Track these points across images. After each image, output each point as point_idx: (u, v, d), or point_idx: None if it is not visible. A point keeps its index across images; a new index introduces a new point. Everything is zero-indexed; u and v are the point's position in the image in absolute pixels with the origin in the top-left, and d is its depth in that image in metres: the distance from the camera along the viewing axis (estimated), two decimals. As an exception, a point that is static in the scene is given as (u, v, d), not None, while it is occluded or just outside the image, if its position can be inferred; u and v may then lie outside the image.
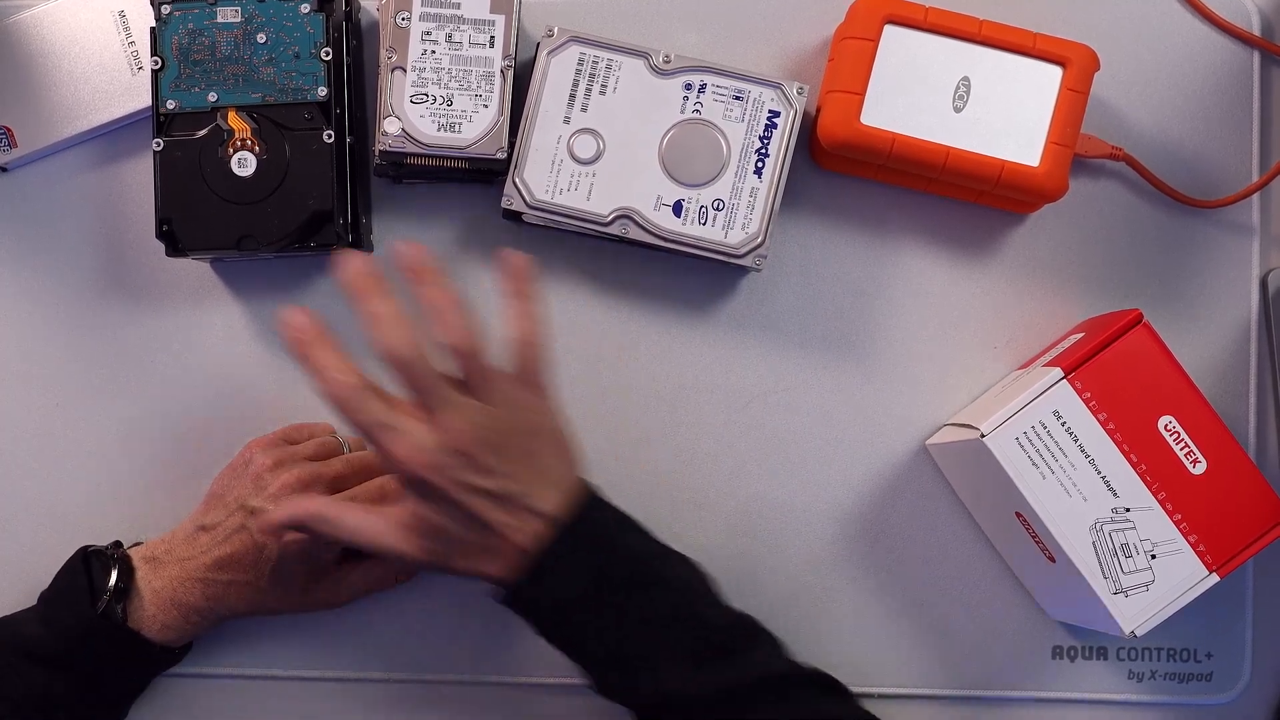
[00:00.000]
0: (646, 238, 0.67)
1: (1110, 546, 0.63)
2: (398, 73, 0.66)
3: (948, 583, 0.70)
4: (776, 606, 0.67)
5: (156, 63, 0.66)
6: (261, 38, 0.66)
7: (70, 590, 0.64)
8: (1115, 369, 0.63)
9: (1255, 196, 0.71)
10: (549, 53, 0.67)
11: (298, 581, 0.66)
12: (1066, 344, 0.67)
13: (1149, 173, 0.70)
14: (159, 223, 0.66)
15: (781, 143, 0.67)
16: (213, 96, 0.66)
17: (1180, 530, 0.63)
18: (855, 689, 0.69)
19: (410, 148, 0.66)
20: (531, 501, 0.58)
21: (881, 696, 0.70)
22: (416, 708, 0.71)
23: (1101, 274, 0.71)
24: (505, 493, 0.58)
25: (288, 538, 0.64)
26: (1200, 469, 0.63)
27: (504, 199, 0.67)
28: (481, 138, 0.67)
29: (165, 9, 0.66)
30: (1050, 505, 0.63)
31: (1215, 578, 0.63)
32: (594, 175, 0.67)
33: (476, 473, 0.57)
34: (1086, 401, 0.63)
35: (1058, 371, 0.63)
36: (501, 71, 0.67)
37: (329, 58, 0.66)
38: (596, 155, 0.67)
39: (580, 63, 0.67)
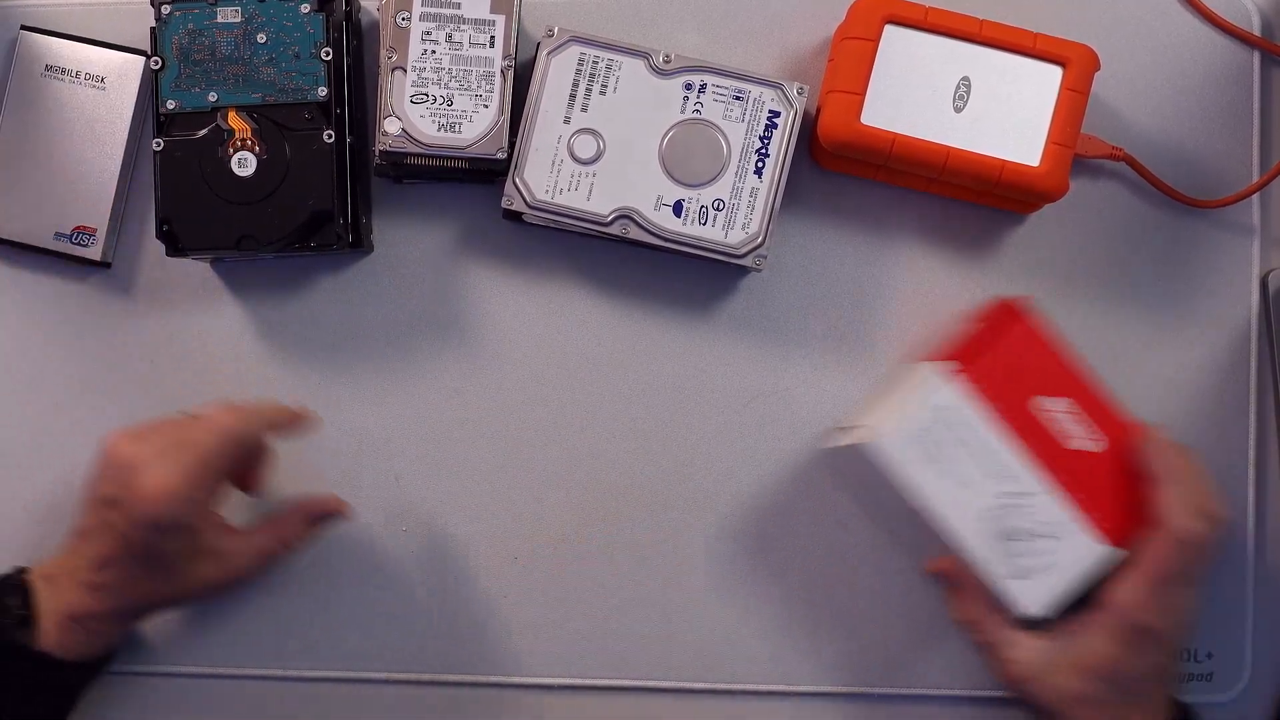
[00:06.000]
0: (647, 238, 0.67)
1: (1005, 531, 0.63)
2: (398, 73, 0.66)
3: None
4: (778, 606, 0.68)
5: (157, 63, 0.66)
6: (261, 38, 0.66)
7: None
8: (999, 357, 0.64)
9: (1255, 196, 0.71)
10: (549, 53, 0.67)
11: (177, 564, 0.63)
12: (954, 335, 0.68)
13: (1149, 173, 0.70)
14: (159, 223, 0.66)
15: (782, 143, 0.67)
16: (213, 96, 0.66)
17: (1076, 509, 0.63)
18: (857, 688, 0.69)
19: (410, 148, 0.66)
20: None
21: (882, 696, 0.70)
22: (417, 708, 0.71)
23: (1101, 274, 0.71)
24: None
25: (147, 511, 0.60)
26: (1091, 447, 0.64)
27: (504, 199, 0.67)
28: (482, 138, 0.67)
29: (165, 9, 0.66)
30: (943, 498, 0.63)
31: (1117, 551, 0.63)
32: (594, 175, 0.67)
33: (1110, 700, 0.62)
34: (970, 392, 0.63)
35: (940, 365, 0.64)
36: (502, 71, 0.67)
37: (329, 58, 0.66)
38: (597, 155, 0.67)
39: (580, 63, 0.67)
